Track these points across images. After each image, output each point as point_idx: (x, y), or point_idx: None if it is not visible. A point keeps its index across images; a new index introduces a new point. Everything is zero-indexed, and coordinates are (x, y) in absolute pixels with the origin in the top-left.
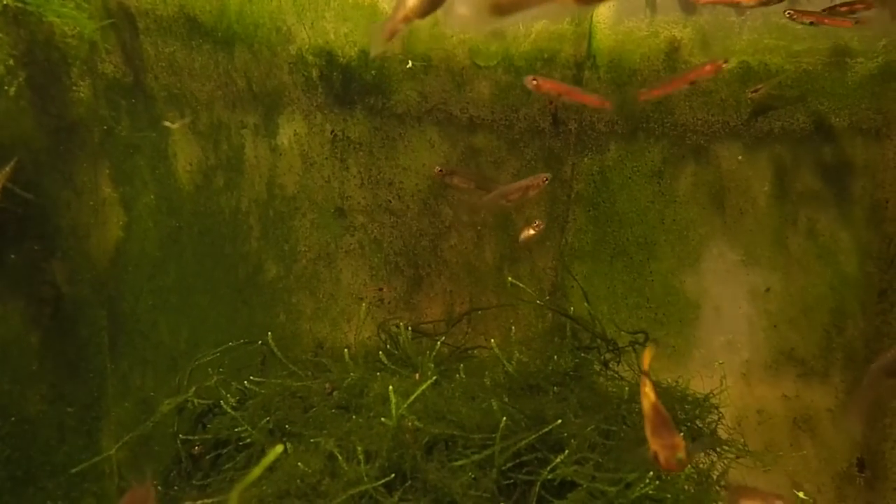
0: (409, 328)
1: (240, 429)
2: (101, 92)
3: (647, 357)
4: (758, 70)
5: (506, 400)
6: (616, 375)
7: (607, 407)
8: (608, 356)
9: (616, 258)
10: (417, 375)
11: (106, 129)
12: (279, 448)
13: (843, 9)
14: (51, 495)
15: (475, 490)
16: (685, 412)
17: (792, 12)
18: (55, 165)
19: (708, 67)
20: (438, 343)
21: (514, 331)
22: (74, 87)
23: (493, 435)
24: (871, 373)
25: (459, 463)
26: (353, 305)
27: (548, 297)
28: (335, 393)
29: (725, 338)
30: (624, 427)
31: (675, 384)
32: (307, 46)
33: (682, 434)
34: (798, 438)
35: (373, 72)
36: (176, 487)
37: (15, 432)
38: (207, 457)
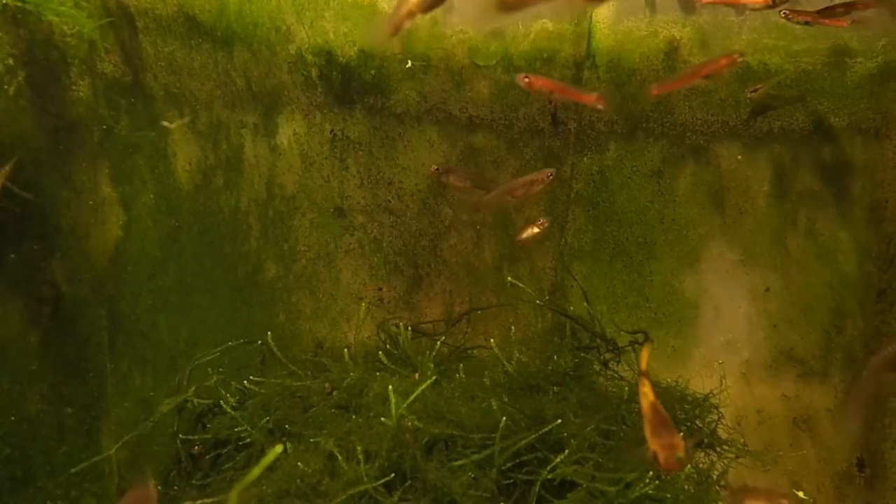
0: (409, 328)
1: (239, 428)
2: (100, 91)
3: (644, 357)
4: (757, 70)
5: (505, 400)
6: (616, 375)
7: (607, 407)
8: (608, 356)
9: (615, 258)
10: (417, 375)
11: (105, 128)
12: (279, 448)
13: (841, 9)
14: (50, 495)
15: (475, 490)
16: (685, 412)
17: (787, 12)
18: (54, 165)
19: (723, 61)
20: (438, 343)
21: (513, 331)
22: (74, 87)
23: (493, 435)
24: (872, 366)
25: (459, 463)
26: (352, 305)
27: (547, 297)
28: (335, 393)
29: (725, 337)
30: (624, 427)
31: (674, 384)
32: (306, 46)
33: (681, 434)
34: (798, 438)
35: (372, 71)
36: (176, 487)
37: (14, 432)
38: (207, 456)
